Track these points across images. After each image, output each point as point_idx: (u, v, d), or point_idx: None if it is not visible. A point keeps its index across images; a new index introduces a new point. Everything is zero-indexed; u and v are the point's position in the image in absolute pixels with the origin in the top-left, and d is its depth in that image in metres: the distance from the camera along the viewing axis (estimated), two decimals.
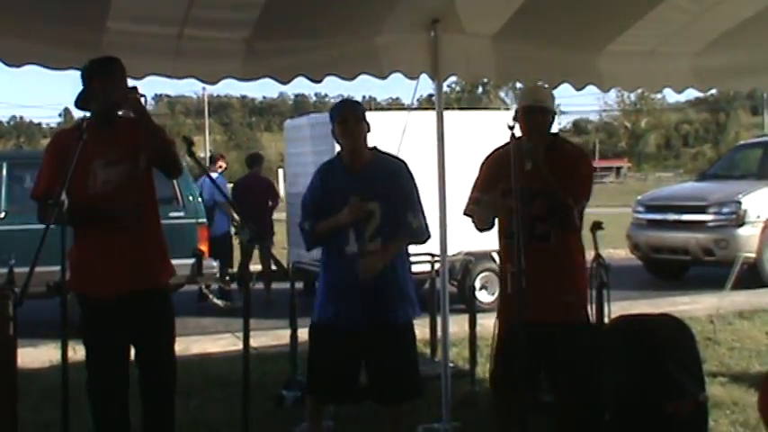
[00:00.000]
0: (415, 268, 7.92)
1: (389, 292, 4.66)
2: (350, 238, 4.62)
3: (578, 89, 6.39)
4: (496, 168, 4.74)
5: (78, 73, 4.79)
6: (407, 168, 4.79)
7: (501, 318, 4.75)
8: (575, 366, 4.49)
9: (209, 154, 21.99)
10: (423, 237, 4.78)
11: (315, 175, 4.88)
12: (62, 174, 3.88)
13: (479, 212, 4.81)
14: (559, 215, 4.51)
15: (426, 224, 4.78)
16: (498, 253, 5.13)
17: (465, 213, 4.90)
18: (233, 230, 12.43)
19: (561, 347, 4.52)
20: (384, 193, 4.64)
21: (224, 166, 13.73)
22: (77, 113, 4.69)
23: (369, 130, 4.73)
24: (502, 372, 4.71)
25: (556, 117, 4.84)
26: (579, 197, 4.56)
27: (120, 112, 4.57)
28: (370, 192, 4.61)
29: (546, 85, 5.79)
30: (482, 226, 4.83)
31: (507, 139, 4.44)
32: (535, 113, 4.63)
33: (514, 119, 4.63)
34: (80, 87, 4.57)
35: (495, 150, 4.89)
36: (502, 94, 58.14)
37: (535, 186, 4.49)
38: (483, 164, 4.95)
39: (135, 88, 4.46)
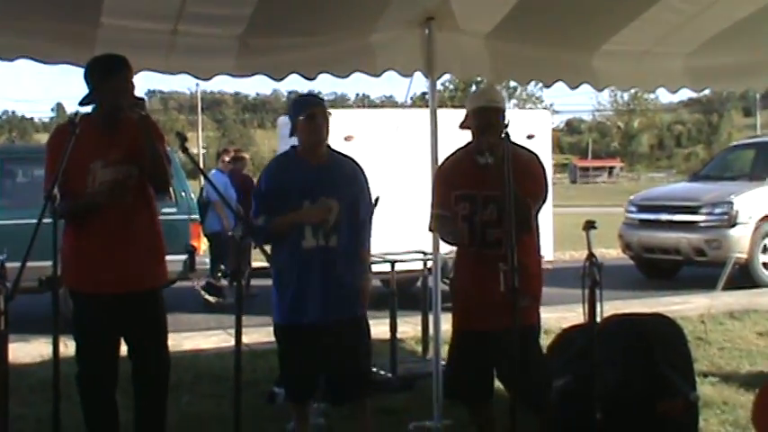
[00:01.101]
0: (407, 266, 8.00)
1: (347, 289, 4.66)
2: (306, 233, 4.57)
3: (573, 88, 6.40)
4: (450, 176, 4.77)
5: (71, 68, 4.78)
6: (359, 166, 4.80)
7: (454, 326, 4.79)
8: (527, 369, 4.43)
9: (202, 150, 21.98)
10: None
11: (269, 168, 4.82)
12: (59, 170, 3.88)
13: (444, 231, 4.86)
14: (517, 215, 4.47)
15: (371, 224, 4.82)
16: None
17: (430, 229, 4.93)
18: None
19: (516, 352, 4.47)
20: (344, 191, 4.63)
21: (226, 161, 13.63)
22: (70, 108, 4.69)
23: (328, 134, 4.71)
24: (455, 382, 4.80)
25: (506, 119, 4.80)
26: (535, 198, 4.54)
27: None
28: (331, 188, 4.59)
29: (540, 84, 5.81)
30: (448, 239, 4.90)
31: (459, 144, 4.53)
32: (489, 113, 4.60)
33: (462, 124, 4.68)
34: (73, 83, 4.57)
35: (446, 159, 4.90)
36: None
37: (486, 191, 4.52)
38: (437, 175, 4.97)
39: (143, 100, 4.44)
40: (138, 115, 4.32)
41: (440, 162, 5.76)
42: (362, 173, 4.79)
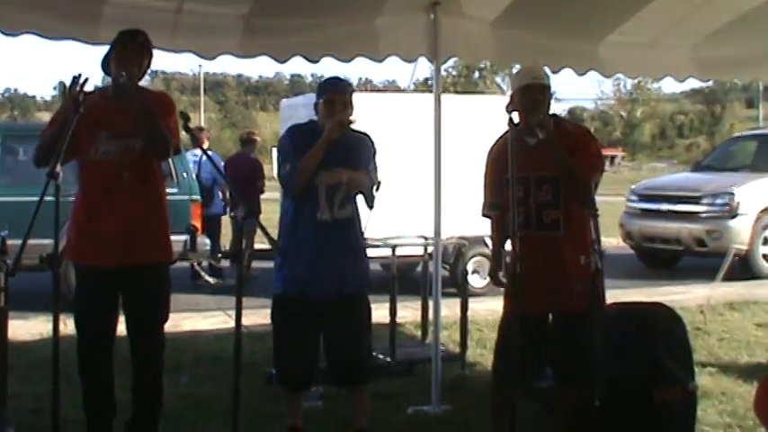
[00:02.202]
0: (407, 251, 7.99)
1: (355, 260, 4.67)
2: (320, 203, 4.56)
3: (580, 74, 6.39)
4: (499, 160, 4.63)
5: (74, 45, 4.78)
6: (371, 139, 4.77)
7: (506, 309, 4.70)
8: (581, 356, 4.44)
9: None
10: (371, 193, 4.70)
11: (291, 132, 4.77)
12: (70, 142, 3.91)
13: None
14: (577, 191, 4.42)
15: (374, 191, 4.71)
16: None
17: (483, 215, 4.88)
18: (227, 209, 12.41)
19: (570, 337, 4.45)
20: (356, 163, 4.62)
21: (205, 141, 13.46)
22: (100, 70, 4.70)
23: (352, 113, 4.65)
24: (502, 365, 4.69)
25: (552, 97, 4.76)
26: (593, 171, 4.47)
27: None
28: (344, 159, 4.57)
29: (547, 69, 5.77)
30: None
31: (506, 128, 4.40)
32: (535, 91, 4.52)
33: (509, 107, 4.56)
34: (75, 61, 4.61)
35: (496, 141, 4.78)
36: (498, 80, 58.02)
37: (540, 171, 4.44)
38: (487, 158, 4.84)
39: (139, 67, 4.47)
40: (122, 79, 4.34)
41: (443, 147, 5.78)
42: (370, 142, 4.75)
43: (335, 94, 4.62)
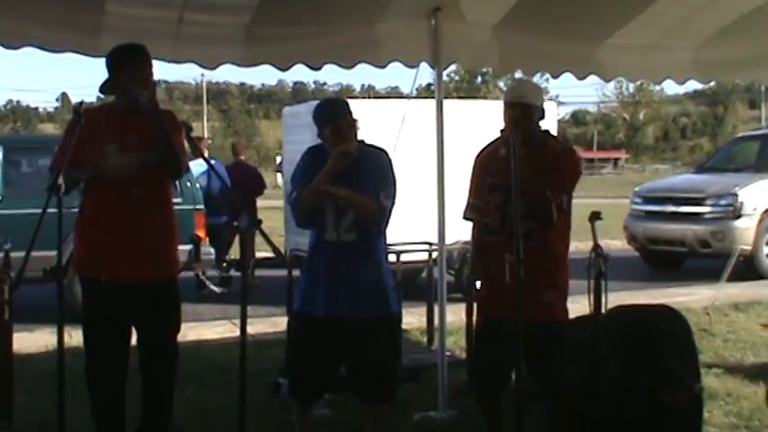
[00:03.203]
0: (412, 257, 7.99)
1: (367, 285, 4.53)
2: (328, 225, 4.49)
3: (580, 78, 6.39)
4: (485, 165, 4.80)
5: (76, 57, 4.77)
6: (388, 156, 4.66)
7: (480, 314, 4.80)
8: (557, 363, 4.47)
9: (207, 141, 21.84)
10: (382, 218, 4.57)
11: (304, 157, 4.69)
12: (74, 154, 3.91)
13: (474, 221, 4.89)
14: (536, 207, 4.47)
15: (390, 212, 4.59)
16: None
17: (465, 218, 4.92)
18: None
19: (541, 347, 4.45)
20: (369, 185, 4.48)
21: (205, 152, 13.49)
22: (75, 98, 4.70)
23: (358, 127, 4.58)
24: (480, 370, 4.79)
25: (545, 112, 4.79)
26: (559, 191, 4.50)
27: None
28: (356, 183, 4.45)
29: (547, 75, 5.80)
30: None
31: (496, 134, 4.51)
32: (515, 108, 4.60)
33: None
34: (78, 72, 4.66)
35: (485, 147, 4.90)
36: (501, 84, 58.04)
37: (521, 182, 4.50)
38: (474, 163, 4.95)
39: (153, 87, 4.47)
40: (144, 98, 4.34)
41: (446, 153, 5.78)
42: (387, 160, 4.63)
43: (341, 119, 4.49)
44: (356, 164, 4.46)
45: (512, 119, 4.56)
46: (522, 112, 4.60)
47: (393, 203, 4.57)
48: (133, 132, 4.47)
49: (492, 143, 4.84)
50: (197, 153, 4.46)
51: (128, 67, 4.46)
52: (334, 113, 4.54)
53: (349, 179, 4.40)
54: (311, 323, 4.52)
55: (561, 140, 4.66)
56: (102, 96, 4.60)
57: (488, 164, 4.77)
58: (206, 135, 57.23)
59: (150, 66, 4.53)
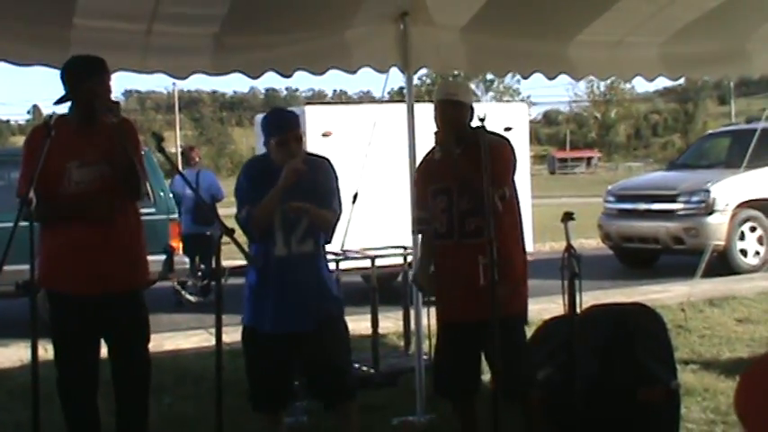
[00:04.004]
0: (387, 261, 8.00)
1: (317, 293, 4.53)
2: (277, 240, 4.45)
3: (550, 78, 6.43)
4: (426, 174, 4.82)
5: (47, 70, 4.73)
6: (332, 165, 4.64)
7: (439, 320, 4.81)
8: (511, 359, 4.36)
9: (180, 150, 21.73)
10: (332, 228, 4.60)
11: (248, 171, 4.65)
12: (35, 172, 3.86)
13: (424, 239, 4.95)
14: (479, 203, 4.46)
15: (336, 224, 4.63)
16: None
17: (416, 233, 4.94)
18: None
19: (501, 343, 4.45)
20: (317, 194, 4.47)
21: (197, 159, 13.46)
22: (46, 110, 4.65)
23: (304, 149, 4.60)
24: (442, 378, 4.79)
25: (474, 110, 4.75)
26: (499, 182, 4.48)
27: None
28: (303, 192, 4.40)
29: (518, 75, 5.83)
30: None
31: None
32: (447, 107, 4.64)
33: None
34: (49, 85, 4.54)
35: (423, 158, 4.92)
36: (473, 87, 58.32)
37: (460, 182, 4.54)
38: (415, 175, 5.04)
39: (118, 104, 4.42)
40: (111, 121, 4.29)
41: (419, 156, 5.78)
42: (332, 169, 4.63)
43: (287, 132, 4.46)
44: (302, 181, 4.41)
45: (443, 117, 4.62)
46: (454, 110, 4.63)
47: (340, 214, 4.64)
48: (91, 145, 4.41)
49: (428, 153, 4.83)
50: (171, 165, 4.44)
51: (87, 80, 4.38)
52: (281, 126, 4.52)
53: (301, 192, 4.38)
54: (261, 337, 4.51)
55: (493, 134, 4.61)
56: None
57: (428, 171, 4.79)
58: (179, 144, 57.04)
59: (109, 78, 4.48)
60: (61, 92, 4.46)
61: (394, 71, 6.06)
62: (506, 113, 12.46)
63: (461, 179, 4.52)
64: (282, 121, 4.56)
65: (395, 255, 7.57)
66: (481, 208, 4.19)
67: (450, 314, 4.69)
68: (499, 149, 4.60)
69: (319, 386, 4.65)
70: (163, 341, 8.43)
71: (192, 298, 11.78)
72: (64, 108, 4.49)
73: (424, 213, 4.83)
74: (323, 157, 4.70)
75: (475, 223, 4.50)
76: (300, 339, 4.47)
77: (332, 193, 4.56)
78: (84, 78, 4.39)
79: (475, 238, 4.45)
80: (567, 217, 4.20)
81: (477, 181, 4.22)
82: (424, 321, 5.77)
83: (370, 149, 6.77)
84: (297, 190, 4.37)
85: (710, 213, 13.49)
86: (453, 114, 4.62)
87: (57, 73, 4.49)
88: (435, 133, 4.62)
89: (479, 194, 4.22)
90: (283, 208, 4.40)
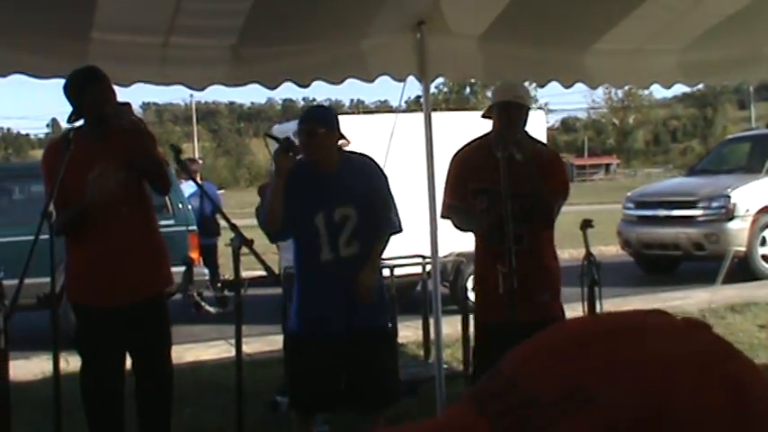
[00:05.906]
0: (406, 270, 7.99)
1: (369, 300, 4.51)
2: (322, 244, 4.42)
3: (567, 87, 6.41)
4: (465, 168, 4.75)
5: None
6: (377, 164, 4.62)
7: (478, 320, 4.80)
8: None
9: (199, 161, 21.79)
10: (399, 231, 4.59)
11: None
12: (61, 184, 3.90)
13: (458, 218, 4.84)
14: (538, 213, 4.46)
15: (400, 218, 4.60)
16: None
17: (443, 216, 4.91)
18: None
19: None
20: (360, 196, 4.44)
21: (197, 171, 13.36)
22: (64, 124, 4.68)
23: (339, 137, 4.52)
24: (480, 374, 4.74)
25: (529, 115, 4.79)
26: (558, 196, 4.52)
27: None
28: (345, 195, 4.42)
29: (534, 84, 5.82)
30: (463, 227, 4.85)
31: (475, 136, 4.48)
32: (512, 109, 4.58)
33: (485, 115, 4.67)
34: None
35: (462, 148, 4.86)
36: (489, 95, 58.34)
37: (511, 185, 4.45)
38: (451, 163, 4.91)
39: (128, 104, 4.45)
40: (126, 122, 4.33)
41: (437, 165, 5.78)
42: (378, 169, 4.58)
43: (303, 125, 4.46)
44: (339, 180, 4.42)
45: (509, 119, 4.53)
46: (519, 112, 4.58)
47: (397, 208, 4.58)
48: (111, 155, 4.44)
49: (469, 145, 4.79)
50: (187, 173, 4.47)
51: (86, 91, 4.43)
52: (301, 119, 4.55)
53: (338, 194, 4.39)
54: (310, 342, 4.50)
55: (541, 143, 4.61)
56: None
57: (470, 167, 4.71)
58: (197, 155, 57.29)
59: (109, 83, 4.50)
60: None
61: (410, 80, 6.06)
62: None
63: (518, 185, 4.36)
64: (304, 115, 4.60)
65: (414, 264, 7.55)
66: (531, 216, 4.19)
67: (489, 314, 4.67)
68: (560, 161, 4.63)
69: (362, 392, 4.60)
70: (183, 352, 8.43)
71: (211, 309, 11.80)
72: (79, 123, 4.53)
73: (456, 203, 4.75)
74: (364, 155, 4.64)
75: (516, 230, 4.41)
76: (350, 342, 4.44)
77: (387, 204, 4.50)
78: (84, 89, 4.44)
79: (516, 244, 4.39)
80: (586, 224, 4.20)
81: (540, 187, 4.22)
82: (444, 330, 5.75)
83: (388, 159, 6.77)
84: (332, 193, 4.38)
85: (731, 219, 13.40)
86: (518, 116, 4.57)
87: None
88: (499, 132, 4.52)
89: (538, 201, 4.21)
90: (326, 213, 4.39)
